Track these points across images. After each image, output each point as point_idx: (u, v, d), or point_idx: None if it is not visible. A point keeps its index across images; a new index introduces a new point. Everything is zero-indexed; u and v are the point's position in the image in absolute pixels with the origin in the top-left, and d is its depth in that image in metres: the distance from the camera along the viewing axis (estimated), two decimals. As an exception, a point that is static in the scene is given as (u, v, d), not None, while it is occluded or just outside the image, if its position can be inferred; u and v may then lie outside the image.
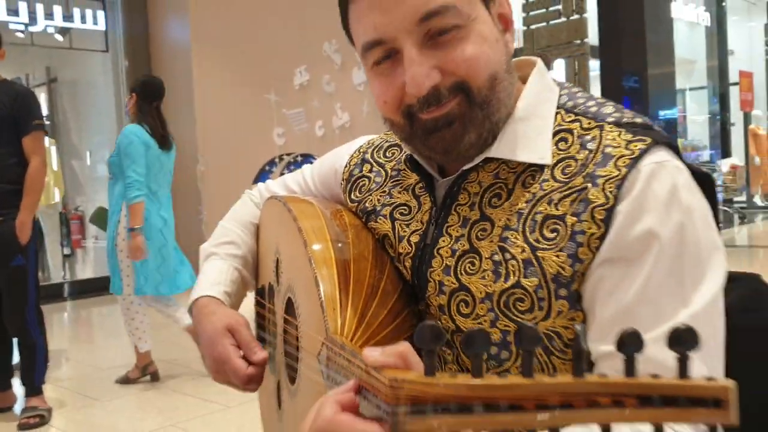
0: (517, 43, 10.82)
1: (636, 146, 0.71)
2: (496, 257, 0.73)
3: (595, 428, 0.46)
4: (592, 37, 8.99)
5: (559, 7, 9.69)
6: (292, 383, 0.82)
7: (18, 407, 3.18)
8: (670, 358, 0.44)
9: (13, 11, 6.39)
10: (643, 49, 7.81)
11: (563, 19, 9.70)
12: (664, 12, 8.30)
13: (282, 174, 6.39)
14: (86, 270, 7.73)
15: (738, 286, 0.91)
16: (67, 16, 6.73)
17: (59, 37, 6.90)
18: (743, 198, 12.26)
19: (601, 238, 0.68)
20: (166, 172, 3.67)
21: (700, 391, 0.43)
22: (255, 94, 6.96)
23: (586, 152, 0.73)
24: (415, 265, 0.81)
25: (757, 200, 12.36)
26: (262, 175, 7.02)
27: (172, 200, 3.78)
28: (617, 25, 7.97)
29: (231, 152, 6.78)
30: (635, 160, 0.69)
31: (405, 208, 0.85)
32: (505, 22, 0.78)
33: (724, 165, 10.23)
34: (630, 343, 0.45)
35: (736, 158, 10.53)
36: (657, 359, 0.59)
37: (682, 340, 0.44)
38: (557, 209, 0.71)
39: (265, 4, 7.05)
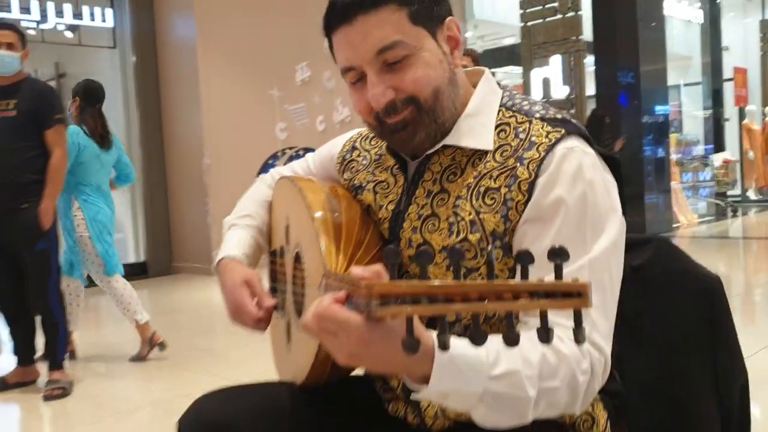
0: (515, 39, 10.98)
1: (553, 135, 0.93)
2: (451, 219, 0.96)
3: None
4: (589, 34, 9.17)
5: (555, 4, 9.88)
6: (299, 316, 1.06)
7: (41, 381, 3.41)
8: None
9: (25, 9, 6.60)
10: (635, 46, 8.00)
11: (559, 16, 9.88)
12: (656, 10, 8.50)
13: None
14: (95, 260, 7.97)
15: (652, 246, 1.14)
16: (77, 14, 6.94)
17: (69, 34, 7.11)
18: (737, 192, 12.49)
19: (525, 203, 0.91)
20: (107, 169, 3.93)
21: (570, 288, 0.66)
22: (258, 90, 7.17)
23: (518, 140, 0.95)
24: (391, 227, 1.03)
25: (751, 194, 12.58)
26: (265, 169, 7.23)
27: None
28: (611, 23, 8.17)
29: (235, 146, 7.00)
30: (551, 146, 0.92)
31: (384, 184, 1.07)
32: (454, 43, 0.99)
33: (717, 159, 10.43)
34: (523, 258, 0.68)
35: (729, 153, 10.73)
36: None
37: (557, 254, 0.67)
38: (495, 183, 0.94)
39: (268, 3, 7.25)
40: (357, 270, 0.73)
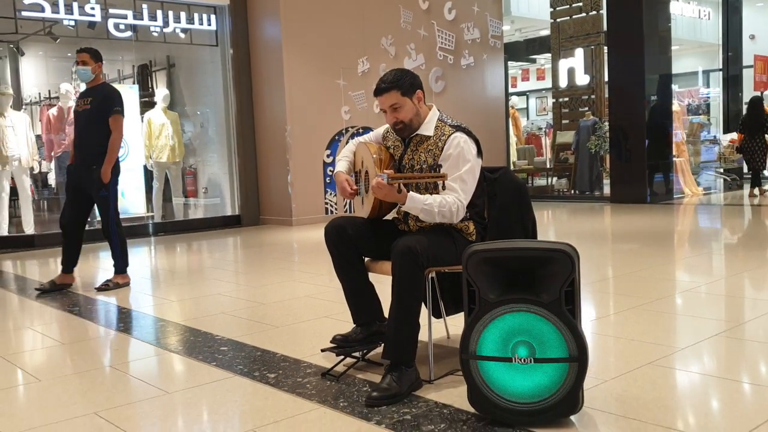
0: (548, 31, 12.47)
1: (451, 131, 2.71)
2: (418, 160, 2.76)
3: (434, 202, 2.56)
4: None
5: (580, 3, 11.42)
6: (366, 192, 2.90)
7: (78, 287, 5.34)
8: (451, 182, 2.56)
9: (152, 17, 8.62)
10: (641, 40, 9.44)
11: (584, 14, 11.43)
12: (663, 9, 9.88)
13: (348, 141, 8.49)
14: (198, 212, 10.03)
15: (501, 170, 2.94)
16: (189, 19, 8.91)
17: (182, 35, 9.09)
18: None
19: (440, 155, 2.69)
20: None
21: (443, 174, 2.51)
22: (328, 80, 9.02)
23: (440, 132, 2.73)
24: (398, 163, 2.85)
25: (765, 172, 13.80)
26: (333, 143, 9.09)
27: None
28: (622, 20, 9.61)
29: (310, 124, 8.86)
30: (449, 135, 2.69)
31: (397, 147, 2.88)
32: (418, 99, 2.77)
33: (724, 139, 11.78)
34: (439, 166, 2.54)
35: (735, 134, 12.02)
36: (451, 184, 2.64)
37: (436, 168, 2.52)
38: (431, 147, 2.72)
39: (337, 10, 9.07)
40: (386, 170, 2.57)
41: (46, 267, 6.42)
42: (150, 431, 2.32)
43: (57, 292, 4.93)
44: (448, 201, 2.63)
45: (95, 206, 5.13)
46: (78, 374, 3.05)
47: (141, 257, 7.22)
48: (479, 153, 2.77)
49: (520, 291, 2.21)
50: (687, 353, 2.90)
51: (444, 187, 2.63)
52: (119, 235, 5.03)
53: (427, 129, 2.80)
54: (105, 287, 4.92)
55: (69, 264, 5.06)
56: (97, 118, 4.87)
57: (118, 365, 3.12)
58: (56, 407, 2.60)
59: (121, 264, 5.05)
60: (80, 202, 5.02)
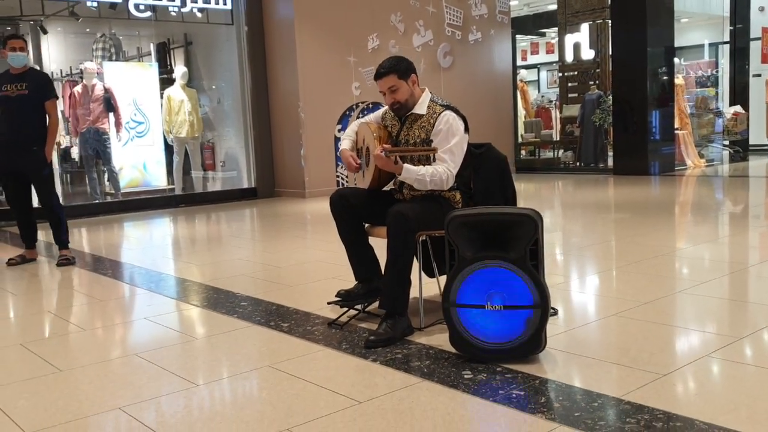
0: (555, 5, 12.63)
1: (442, 110, 3.09)
2: (413, 135, 3.15)
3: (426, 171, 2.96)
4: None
5: (586, -22, 11.59)
6: (367, 166, 3.30)
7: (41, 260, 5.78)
8: (441, 154, 2.97)
9: (170, -3, 8.98)
10: (644, 13, 9.67)
11: (589, -11, 11.60)
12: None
13: (358, 117, 9.01)
14: (216, 185, 10.48)
15: (486, 146, 3.33)
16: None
17: (198, 14, 9.44)
18: (762, 141, 13.94)
19: (431, 130, 3.08)
20: None
21: (434, 147, 2.92)
22: (339, 57, 9.35)
23: (431, 111, 3.11)
24: (395, 139, 3.24)
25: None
26: (344, 118, 9.45)
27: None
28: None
29: (322, 100, 9.21)
30: (440, 113, 3.07)
31: (394, 125, 3.27)
32: (412, 82, 3.15)
33: (728, 112, 11.99)
34: (430, 142, 2.93)
35: (739, 107, 12.23)
36: (441, 155, 3.04)
37: (428, 143, 2.92)
38: (424, 124, 3.11)
39: (348, -11, 9.37)
40: (385, 144, 2.97)
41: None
42: (182, 368, 2.76)
43: (28, 264, 5.28)
44: (439, 171, 3.03)
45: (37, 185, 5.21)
46: (115, 325, 3.51)
47: (164, 227, 7.69)
48: (466, 129, 3.15)
49: (492, 249, 2.61)
50: (648, 306, 3.30)
51: (435, 159, 3.02)
52: (62, 212, 5.28)
53: (421, 108, 3.18)
54: (65, 263, 5.11)
55: (30, 241, 5.40)
56: (34, 102, 5.06)
57: (150, 317, 3.58)
58: (101, 350, 3.06)
59: (66, 239, 5.28)
60: (18, 184, 5.22)
